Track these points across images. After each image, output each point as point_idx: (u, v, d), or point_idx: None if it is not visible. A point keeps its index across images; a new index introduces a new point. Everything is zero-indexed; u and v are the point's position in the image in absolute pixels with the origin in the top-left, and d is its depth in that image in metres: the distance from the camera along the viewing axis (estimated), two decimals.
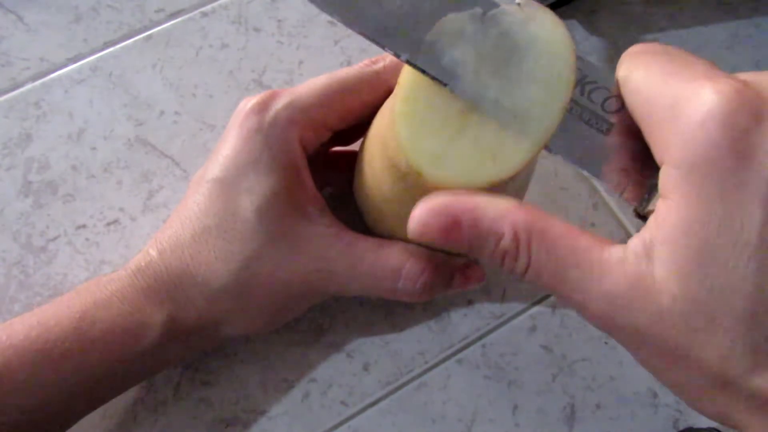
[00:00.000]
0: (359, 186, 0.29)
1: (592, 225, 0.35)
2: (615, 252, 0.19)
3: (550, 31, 0.22)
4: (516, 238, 0.20)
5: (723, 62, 0.38)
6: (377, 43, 0.22)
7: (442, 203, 0.21)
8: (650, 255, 0.19)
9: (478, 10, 0.22)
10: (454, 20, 0.22)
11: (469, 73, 0.22)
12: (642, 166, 0.22)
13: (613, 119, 0.22)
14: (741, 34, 0.39)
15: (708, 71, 0.19)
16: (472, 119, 0.22)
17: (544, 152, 0.23)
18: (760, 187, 0.17)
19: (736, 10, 0.40)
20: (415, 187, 0.24)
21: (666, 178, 0.19)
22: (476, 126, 0.22)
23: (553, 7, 0.39)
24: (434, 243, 0.21)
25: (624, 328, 0.19)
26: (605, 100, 0.22)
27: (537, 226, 0.20)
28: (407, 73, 0.23)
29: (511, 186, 0.25)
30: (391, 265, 0.28)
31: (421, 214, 0.21)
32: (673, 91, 0.19)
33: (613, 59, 0.38)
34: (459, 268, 0.30)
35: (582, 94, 0.22)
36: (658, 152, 0.19)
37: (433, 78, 0.22)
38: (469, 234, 0.21)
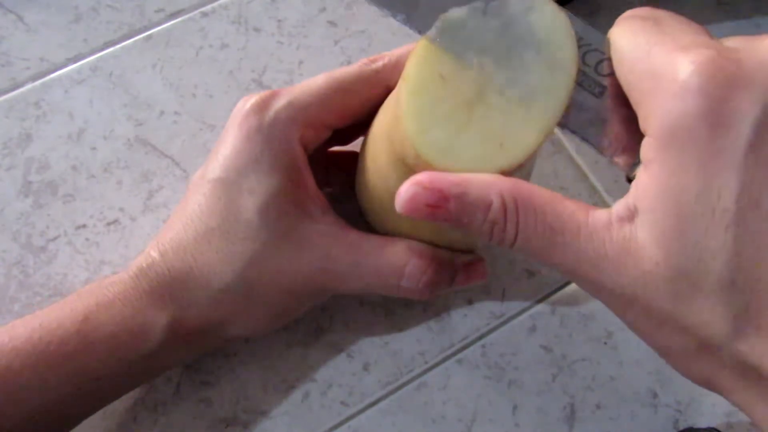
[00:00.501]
0: (362, 184, 0.29)
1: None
2: (600, 216, 0.20)
3: (550, 20, 0.22)
4: (503, 207, 0.21)
5: None
6: (375, 4, 0.22)
7: (428, 177, 0.21)
8: (633, 220, 0.19)
9: (480, 2, 0.22)
10: (456, 13, 0.22)
11: (473, 63, 0.22)
12: (632, 131, 0.22)
13: (606, 82, 0.22)
14: (741, 34, 0.39)
15: (691, 39, 0.19)
16: (478, 109, 0.22)
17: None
18: (736, 156, 0.17)
19: (736, 10, 0.40)
20: None
21: (646, 147, 0.19)
22: (483, 115, 0.22)
23: None
24: (422, 218, 0.21)
25: (611, 290, 0.20)
26: (599, 62, 0.22)
27: (522, 193, 0.21)
28: (412, 67, 0.23)
29: (517, 176, 0.25)
30: (394, 263, 0.28)
31: (408, 189, 0.21)
32: (654, 60, 0.19)
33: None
34: (462, 265, 0.30)
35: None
36: (642, 121, 0.19)
37: (429, 40, 0.22)
38: (456, 207, 0.21)
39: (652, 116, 0.19)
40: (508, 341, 0.33)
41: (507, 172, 0.23)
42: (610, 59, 0.22)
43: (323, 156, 0.32)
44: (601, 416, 0.32)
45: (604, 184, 0.36)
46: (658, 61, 0.19)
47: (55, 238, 0.34)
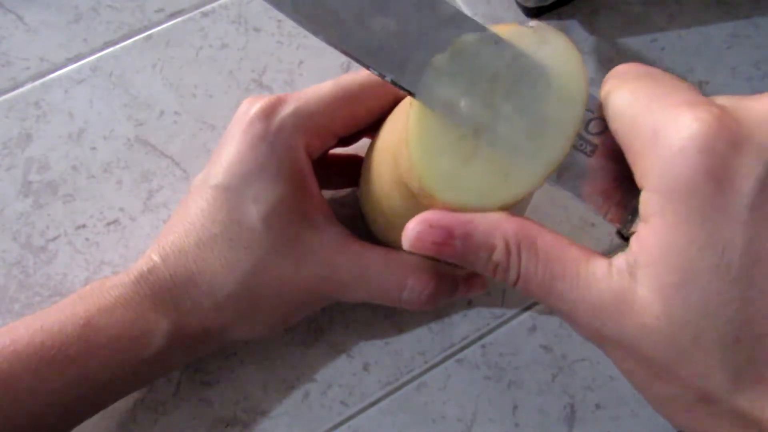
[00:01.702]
0: (366, 195, 0.29)
1: (592, 225, 0.35)
2: (600, 266, 0.20)
3: (563, 54, 0.22)
4: (507, 250, 0.21)
5: (723, 62, 0.38)
6: (362, 63, 0.22)
7: (435, 216, 0.22)
8: (633, 274, 0.19)
9: (491, 32, 0.22)
10: (469, 39, 0.22)
11: (483, 92, 0.22)
12: (625, 187, 0.22)
13: (597, 141, 0.22)
14: (741, 34, 0.39)
15: (690, 97, 0.19)
16: (484, 140, 0.22)
17: None
18: (740, 212, 0.18)
19: (735, 10, 0.40)
20: (427, 206, 0.24)
21: (647, 202, 0.19)
22: (489, 147, 0.22)
23: (554, 6, 0.39)
24: (429, 254, 0.22)
25: (609, 339, 0.20)
26: (590, 121, 0.22)
27: (526, 237, 0.21)
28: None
29: (517, 207, 0.25)
30: (396, 276, 0.28)
31: (415, 227, 0.22)
32: (654, 116, 0.19)
33: (613, 59, 0.38)
34: (462, 277, 0.30)
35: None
36: (640, 176, 0.20)
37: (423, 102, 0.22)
38: (462, 247, 0.21)
39: (653, 171, 0.19)
40: (508, 341, 0.33)
41: (512, 206, 0.23)
42: (600, 118, 0.22)
43: (323, 158, 0.32)
44: (601, 416, 0.32)
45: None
46: (659, 116, 0.19)
47: (55, 238, 0.34)
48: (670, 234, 0.18)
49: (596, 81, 0.38)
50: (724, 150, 0.18)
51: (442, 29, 0.22)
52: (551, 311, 0.21)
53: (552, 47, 0.22)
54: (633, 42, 0.39)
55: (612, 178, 0.22)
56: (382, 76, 0.22)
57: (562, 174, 0.22)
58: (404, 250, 0.28)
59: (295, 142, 0.27)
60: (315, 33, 0.22)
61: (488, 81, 0.22)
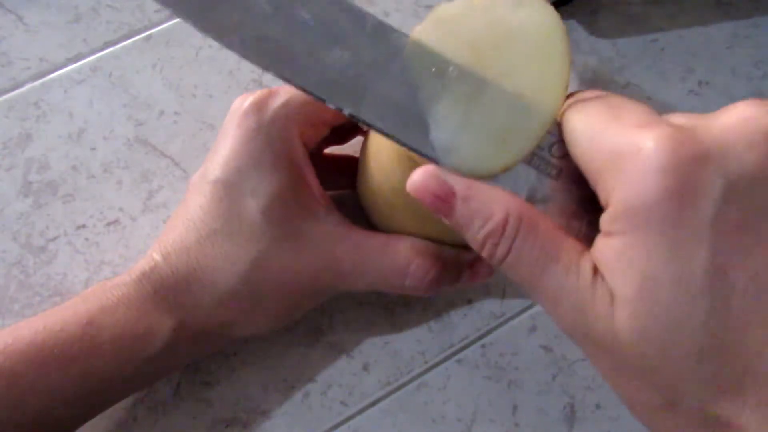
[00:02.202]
0: (365, 183, 0.29)
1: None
2: (590, 262, 0.20)
3: (539, 13, 0.22)
4: (504, 222, 0.21)
5: (723, 62, 0.38)
6: (317, 98, 0.22)
7: (443, 172, 0.22)
8: (601, 285, 0.19)
9: (466, 1, 0.22)
10: (447, 8, 0.22)
11: (468, 58, 0.22)
12: (593, 209, 0.22)
13: (561, 164, 0.23)
14: (741, 34, 0.39)
15: (645, 118, 0.19)
16: (476, 107, 0.22)
17: None
18: (702, 227, 0.18)
19: (735, 10, 0.40)
20: None
21: (608, 220, 0.19)
22: (483, 110, 0.22)
23: (553, 6, 0.39)
24: (426, 205, 0.22)
25: (585, 334, 0.20)
26: (552, 145, 0.23)
27: (529, 216, 0.21)
28: (411, 47, 0.22)
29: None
30: (398, 262, 0.28)
31: (422, 173, 0.22)
32: (612, 139, 0.19)
33: (612, 59, 0.38)
34: (468, 263, 0.30)
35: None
36: (603, 198, 0.20)
37: (381, 132, 0.22)
38: (459, 208, 0.21)
39: (615, 192, 0.19)
40: (508, 341, 0.33)
41: (513, 166, 0.23)
42: (562, 141, 0.22)
43: (320, 159, 0.32)
44: (601, 416, 0.32)
45: None
46: (616, 139, 0.19)
47: (55, 238, 0.34)
48: (632, 249, 0.18)
49: (596, 81, 0.38)
50: (682, 168, 0.18)
51: (398, 59, 0.22)
52: (533, 297, 0.21)
53: (528, 8, 0.22)
54: (633, 42, 0.39)
55: (579, 200, 0.22)
56: (340, 110, 0.22)
57: (530, 198, 0.23)
58: (407, 234, 0.28)
59: (290, 132, 0.27)
60: (266, 68, 0.22)
61: (470, 47, 0.22)
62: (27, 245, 0.34)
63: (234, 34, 0.21)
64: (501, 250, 0.21)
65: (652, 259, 0.18)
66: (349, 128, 0.31)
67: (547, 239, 0.21)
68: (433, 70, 0.22)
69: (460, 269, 0.29)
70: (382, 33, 0.22)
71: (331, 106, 0.22)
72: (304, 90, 0.22)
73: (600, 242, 0.20)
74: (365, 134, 0.30)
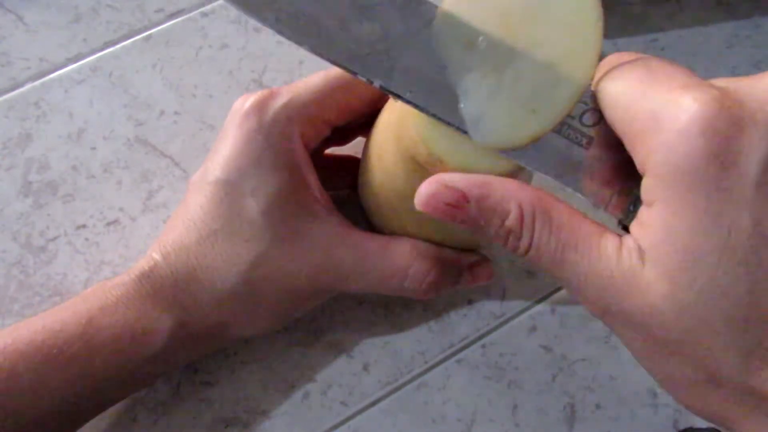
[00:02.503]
0: (367, 184, 0.29)
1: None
2: (612, 242, 0.20)
3: None
4: (521, 217, 0.20)
5: (723, 62, 0.38)
6: (348, 70, 0.22)
7: (450, 177, 0.21)
8: (641, 256, 0.19)
9: None
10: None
11: (496, 30, 0.22)
12: (624, 177, 0.22)
13: (592, 132, 0.22)
14: (741, 34, 0.39)
15: (686, 80, 0.19)
16: (506, 77, 0.22)
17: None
18: (745, 193, 0.17)
19: (735, 9, 0.40)
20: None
21: (649, 187, 0.19)
22: (512, 83, 0.22)
23: None
24: (441, 217, 0.21)
25: (617, 316, 0.20)
26: (583, 113, 0.22)
27: (542, 206, 0.21)
28: (442, 18, 0.22)
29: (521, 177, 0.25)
30: (398, 264, 0.28)
31: (429, 187, 0.21)
32: (652, 101, 0.19)
33: None
34: (467, 266, 0.30)
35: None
36: (641, 162, 0.19)
37: (410, 103, 0.22)
38: (475, 210, 0.21)
39: (654, 156, 0.18)
40: (508, 341, 0.33)
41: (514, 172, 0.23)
42: (595, 108, 0.22)
43: (320, 159, 0.32)
44: (601, 416, 0.32)
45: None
46: (656, 101, 0.19)
47: (55, 238, 0.34)
48: (675, 217, 0.18)
49: None
50: (726, 130, 0.17)
51: (427, 31, 0.22)
52: (560, 284, 0.21)
53: None
54: (633, 42, 0.39)
55: (610, 168, 0.22)
56: (371, 82, 0.22)
57: (560, 168, 0.22)
58: (409, 237, 0.28)
59: (290, 132, 0.27)
60: (299, 43, 0.22)
61: (499, 17, 0.22)
62: (27, 245, 0.34)
63: (269, 10, 0.22)
64: (523, 244, 0.21)
65: (694, 228, 0.18)
66: (350, 129, 0.31)
67: (562, 228, 0.20)
68: (463, 40, 0.22)
69: (459, 272, 0.29)
70: (412, 4, 0.22)
71: (362, 79, 0.22)
72: (335, 63, 0.22)
73: (643, 214, 0.19)
74: (367, 134, 0.30)
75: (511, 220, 0.21)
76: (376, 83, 0.22)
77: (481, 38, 0.22)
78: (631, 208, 0.22)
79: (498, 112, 0.22)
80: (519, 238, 0.21)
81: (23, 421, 0.25)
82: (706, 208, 0.18)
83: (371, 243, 0.28)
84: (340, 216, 0.28)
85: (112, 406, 0.29)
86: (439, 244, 0.29)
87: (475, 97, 0.22)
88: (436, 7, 0.22)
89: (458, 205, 0.21)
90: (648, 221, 0.19)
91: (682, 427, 0.31)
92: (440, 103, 0.22)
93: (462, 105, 0.22)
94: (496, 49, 0.22)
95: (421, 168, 0.24)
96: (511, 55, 0.22)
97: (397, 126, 0.25)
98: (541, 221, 0.20)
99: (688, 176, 0.18)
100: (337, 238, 0.28)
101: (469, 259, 0.30)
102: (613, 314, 0.20)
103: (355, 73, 0.22)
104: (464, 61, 0.22)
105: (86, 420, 0.27)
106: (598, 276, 0.20)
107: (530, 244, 0.21)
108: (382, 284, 0.28)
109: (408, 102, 0.22)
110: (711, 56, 0.39)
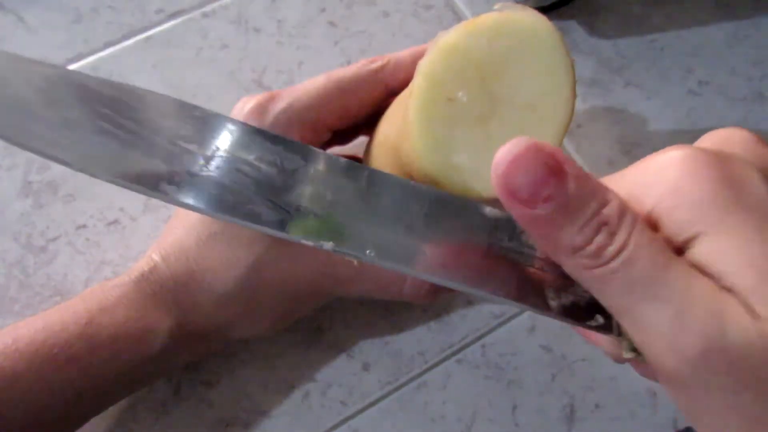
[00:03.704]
0: None
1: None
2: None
3: (533, 25, 0.23)
4: (622, 210, 0.17)
5: (723, 62, 0.38)
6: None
7: (543, 143, 0.17)
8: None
9: (463, 23, 0.23)
10: (449, 37, 0.23)
11: (475, 84, 0.23)
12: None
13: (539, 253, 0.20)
14: (741, 34, 0.39)
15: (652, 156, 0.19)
16: (491, 126, 0.23)
17: None
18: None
19: (735, 10, 0.40)
20: None
21: (684, 222, 0.17)
22: (498, 131, 0.23)
23: (553, 7, 0.39)
24: (516, 200, 0.17)
25: (714, 352, 0.16)
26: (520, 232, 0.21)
27: (634, 211, 0.17)
28: (421, 80, 0.23)
29: None
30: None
31: (513, 148, 0.16)
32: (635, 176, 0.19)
33: (612, 59, 0.38)
34: None
35: (510, 239, 0.20)
36: (647, 209, 0.18)
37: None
38: (572, 185, 0.17)
39: (666, 198, 0.17)
40: (508, 341, 0.33)
41: None
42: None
43: None
44: (600, 416, 0.32)
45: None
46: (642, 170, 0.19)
47: (55, 238, 0.34)
48: (739, 240, 0.17)
49: (596, 81, 0.38)
50: (718, 162, 0.17)
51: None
52: (629, 322, 0.17)
53: (520, 23, 0.23)
54: (633, 42, 0.39)
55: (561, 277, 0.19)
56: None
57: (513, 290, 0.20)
58: None
59: (290, 136, 0.27)
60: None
61: (475, 70, 0.23)
62: (27, 245, 0.34)
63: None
64: (617, 243, 0.17)
65: (764, 247, 0.16)
66: (351, 130, 0.31)
67: (658, 241, 0.17)
68: (444, 97, 0.23)
69: None
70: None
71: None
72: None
73: (703, 245, 0.17)
74: (368, 134, 0.30)
75: (610, 209, 0.17)
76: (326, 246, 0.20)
77: (460, 93, 0.23)
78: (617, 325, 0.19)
79: (489, 161, 0.22)
80: (614, 234, 0.17)
81: (23, 421, 0.25)
82: (760, 226, 0.17)
83: None
84: None
85: (112, 407, 0.29)
86: None
87: (467, 151, 0.23)
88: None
89: (557, 170, 0.16)
90: (712, 250, 0.17)
91: (681, 426, 0.31)
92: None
93: (454, 158, 0.23)
94: (477, 100, 0.23)
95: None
96: (492, 105, 0.23)
97: (397, 139, 0.25)
98: (641, 223, 0.17)
99: (718, 204, 0.17)
100: None
101: None
102: (709, 348, 0.16)
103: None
104: (449, 117, 0.23)
105: (86, 419, 0.27)
106: (706, 296, 0.16)
107: (624, 246, 0.17)
108: (382, 290, 0.28)
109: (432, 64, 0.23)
110: (711, 56, 0.39)
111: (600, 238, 0.17)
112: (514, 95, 0.23)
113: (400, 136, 0.25)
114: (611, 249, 0.17)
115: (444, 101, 0.23)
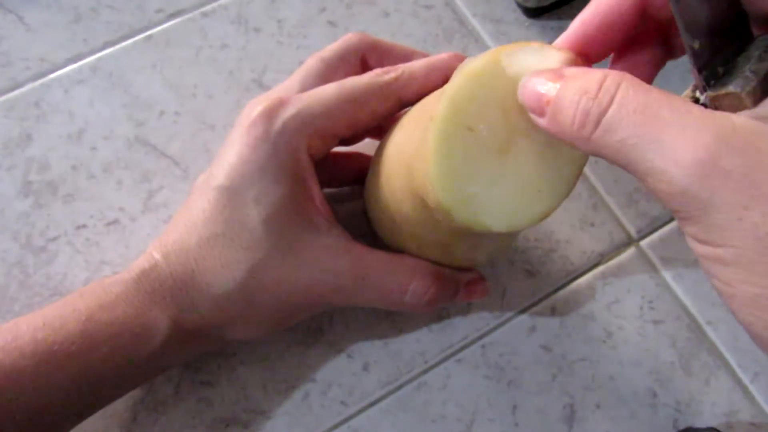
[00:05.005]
0: (373, 196, 0.29)
1: (592, 225, 0.35)
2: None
3: (558, 61, 0.22)
4: (602, 78, 0.20)
5: None
6: None
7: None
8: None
9: (492, 57, 0.22)
10: (474, 65, 0.22)
11: (497, 115, 0.22)
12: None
13: None
14: None
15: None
16: (509, 161, 0.23)
17: None
18: None
19: None
20: (441, 221, 0.24)
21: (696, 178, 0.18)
22: (515, 165, 0.23)
23: (553, 7, 0.39)
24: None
25: (731, 173, 0.17)
26: None
27: (632, 77, 0.20)
28: (445, 107, 0.22)
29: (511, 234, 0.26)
30: (398, 281, 0.28)
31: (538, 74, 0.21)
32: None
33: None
34: (464, 283, 0.30)
35: None
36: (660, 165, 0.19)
37: None
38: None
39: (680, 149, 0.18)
40: (508, 341, 0.33)
41: (535, 222, 0.23)
42: None
43: (327, 155, 0.32)
44: (600, 416, 0.32)
45: (605, 184, 0.36)
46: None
47: (55, 238, 0.34)
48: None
49: None
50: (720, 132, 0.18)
51: None
52: (635, 161, 0.19)
53: (529, 57, 0.23)
54: None
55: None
56: None
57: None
58: (406, 255, 0.29)
59: (297, 143, 0.27)
60: None
61: (498, 103, 0.22)
62: (27, 245, 0.34)
63: None
64: (601, 100, 0.19)
65: None
66: (359, 136, 0.31)
67: (653, 89, 0.19)
68: (465, 127, 0.22)
69: (456, 288, 0.30)
70: None
71: None
72: None
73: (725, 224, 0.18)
74: (375, 137, 0.29)
75: (589, 80, 0.20)
76: None
77: (482, 125, 0.22)
78: (712, 82, 0.21)
79: (504, 197, 0.23)
80: (595, 96, 0.19)
81: (23, 417, 0.25)
82: None
83: (372, 257, 0.28)
84: (341, 229, 0.28)
85: (112, 407, 0.29)
86: (437, 264, 0.29)
87: (481, 183, 0.23)
88: None
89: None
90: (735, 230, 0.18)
91: (681, 427, 0.31)
92: None
93: (468, 189, 0.23)
94: (497, 133, 0.23)
95: (428, 207, 0.24)
96: (511, 137, 0.23)
97: (410, 161, 0.25)
98: (628, 82, 0.19)
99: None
100: (338, 251, 0.27)
101: (467, 277, 0.30)
102: (726, 173, 0.17)
103: None
104: (468, 148, 0.22)
105: (86, 416, 0.27)
106: (707, 128, 0.18)
107: (611, 101, 0.19)
108: (382, 299, 0.29)
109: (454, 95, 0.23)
110: None
111: (583, 103, 0.20)
112: (534, 129, 0.22)
113: (415, 156, 0.24)
114: (595, 108, 0.19)
115: (465, 131, 0.22)
